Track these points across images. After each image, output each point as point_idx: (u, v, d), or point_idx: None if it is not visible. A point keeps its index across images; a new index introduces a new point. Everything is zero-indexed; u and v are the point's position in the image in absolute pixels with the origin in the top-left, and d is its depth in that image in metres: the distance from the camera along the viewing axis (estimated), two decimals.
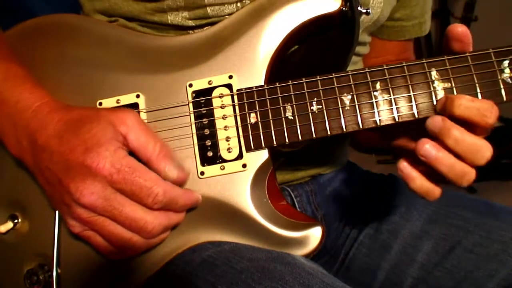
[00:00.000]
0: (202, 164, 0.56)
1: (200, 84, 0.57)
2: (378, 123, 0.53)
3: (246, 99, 0.56)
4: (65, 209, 0.51)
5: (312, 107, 0.55)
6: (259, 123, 0.55)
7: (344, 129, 0.54)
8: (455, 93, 0.52)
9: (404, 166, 0.52)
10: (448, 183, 0.52)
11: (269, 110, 0.55)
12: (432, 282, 0.69)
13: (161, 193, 0.50)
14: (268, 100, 0.56)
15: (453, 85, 0.52)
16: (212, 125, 0.56)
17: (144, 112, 0.58)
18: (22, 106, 0.54)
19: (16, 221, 0.60)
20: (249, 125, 0.56)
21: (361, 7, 0.59)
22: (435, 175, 0.51)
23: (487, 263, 0.66)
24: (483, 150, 0.50)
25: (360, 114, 0.54)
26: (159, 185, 0.50)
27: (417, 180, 0.52)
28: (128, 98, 0.58)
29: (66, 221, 0.52)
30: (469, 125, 0.50)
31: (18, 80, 0.56)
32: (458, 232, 0.70)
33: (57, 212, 0.56)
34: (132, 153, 0.52)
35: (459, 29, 0.51)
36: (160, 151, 0.51)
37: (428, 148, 0.50)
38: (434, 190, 0.53)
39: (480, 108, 0.49)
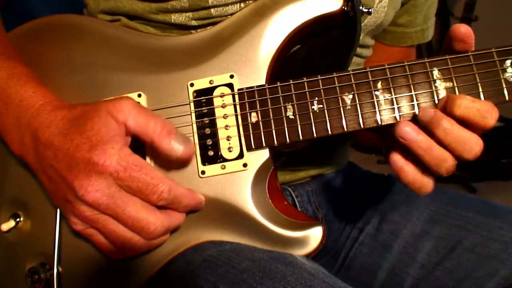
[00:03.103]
0: (203, 163, 0.56)
1: (201, 83, 0.57)
2: (380, 123, 0.53)
3: (247, 99, 0.56)
4: (68, 206, 0.51)
5: (313, 107, 0.55)
6: (260, 122, 0.55)
7: (345, 129, 0.54)
8: (457, 92, 0.52)
9: (398, 158, 0.52)
10: (432, 174, 0.52)
11: (270, 109, 0.55)
12: (432, 282, 0.69)
13: (166, 190, 0.50)
14: (269, 99, 0.55)
15: (455, 84, 0.52)
16: (213, 124, 0.56)
17: None
18: (25, 104, 0.54)
19: (18, 220, 0.60)
20: (250, 124, 0.56)
21: (362, 7, 0.59)
22: (424, 167, 0.51)
23: (488, 262, 0.66)
24: (472, 143, 0.50)
25: (361, 114, 0.54)
26: (165, 183, 0.50)
27: (410, 174, 0.52)
28: None
29: (68, 218, 0.52)
30: (468, 126, 0.50)
31: (22, 79, 0.56)
32: (459, 232, 0.70)
33: (58, 211, 0.56)
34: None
35: (462, 29, 0.51)
36: (162, 129, 0.51)
37: (408, 130, 0.51)
38: (427, 184, 0.52)
39: (481, 109, 0.49)
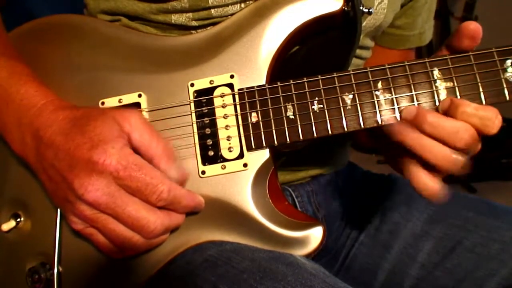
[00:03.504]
0: (203, 163, 0.56)
1: (202, 83, 0.57)
2: (380, 123, 0.53)
3: (247, 99, 0.56)
4: (68, 206, 0.51)
5: (313, 107, 0.55)
6: (260, 122, 0.55)
7: (346, 129, 0.54)
8: (457, 92, 0.52)
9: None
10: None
11: (270, 109, 0.55)
12: (432, 282, 0.69)
13: (166, 190, 0.50)
14: (269, 99, 0.55)
15: (456, 84, 0.52)
16: (213, 124, 0.56)
17: (146, 112, 0.58)
18: (27, 103, 0.54)
19: (18, 219, 0.60)
20: (250, 124, 0.56)
21: (363, 7, 0.58)
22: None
23: (488, 262, 0.66)
24: (461, 131, 0.49)
25: (362, 114, 0.54)
26: (164, 183, 0.50)
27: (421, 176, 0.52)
28: (130, 98, 0.58)
29: (68, 218, 0.52)
30: None
31: (23, 78, 0.56)
32: (459, 231, 0.70)
33: (58, 210, 0.56)
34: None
35: (472, 26, 0.51)
36: (163, 152, 0.52)
37: (394, 124, 0.52)
38: (432, 185, 0.53)
39: (483, 117, 0.49)
